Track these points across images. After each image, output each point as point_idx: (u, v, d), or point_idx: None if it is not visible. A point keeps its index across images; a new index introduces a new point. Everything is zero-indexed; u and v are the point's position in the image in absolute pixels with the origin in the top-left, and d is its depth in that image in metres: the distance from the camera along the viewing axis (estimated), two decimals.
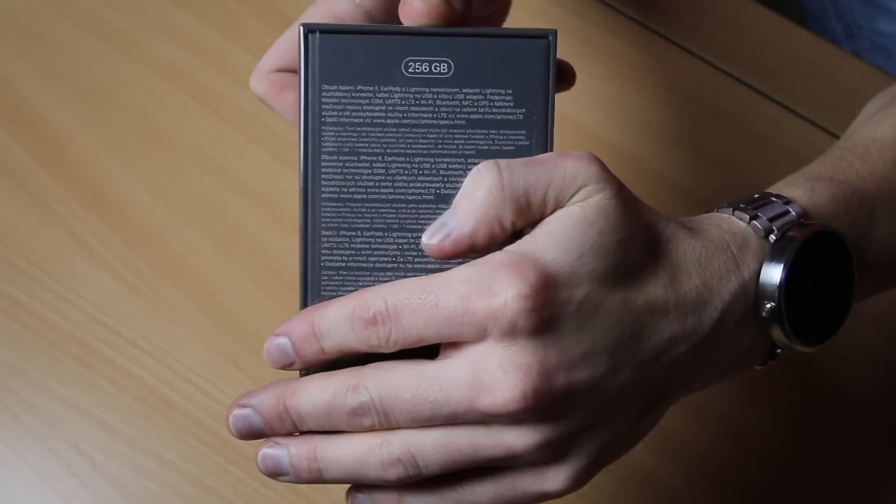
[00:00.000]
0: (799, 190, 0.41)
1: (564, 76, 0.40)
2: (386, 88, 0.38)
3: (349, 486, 0.39)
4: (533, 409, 0.33)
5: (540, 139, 0.39)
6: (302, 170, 0.38)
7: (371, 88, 0.38)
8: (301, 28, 0.39)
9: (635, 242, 0.35)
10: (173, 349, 0.59)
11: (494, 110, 0.39)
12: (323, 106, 0.38)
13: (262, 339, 0.59)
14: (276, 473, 0.38)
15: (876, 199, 0.43)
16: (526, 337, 0.33)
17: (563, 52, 0.71)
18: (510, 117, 0.39)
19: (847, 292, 0.40)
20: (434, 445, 0.35)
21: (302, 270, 0.39)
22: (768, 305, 0.38)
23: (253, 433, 0.38)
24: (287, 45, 0.42)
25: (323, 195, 0.38)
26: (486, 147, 0.38)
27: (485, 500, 0.36)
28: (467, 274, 0.34)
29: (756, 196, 0.40)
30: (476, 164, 0.36)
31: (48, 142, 0.66)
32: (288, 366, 0.37)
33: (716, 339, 0.37)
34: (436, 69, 0.38)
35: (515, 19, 0.70)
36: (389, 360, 0.36)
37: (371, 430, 0.35)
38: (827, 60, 0.69)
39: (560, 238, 0.34)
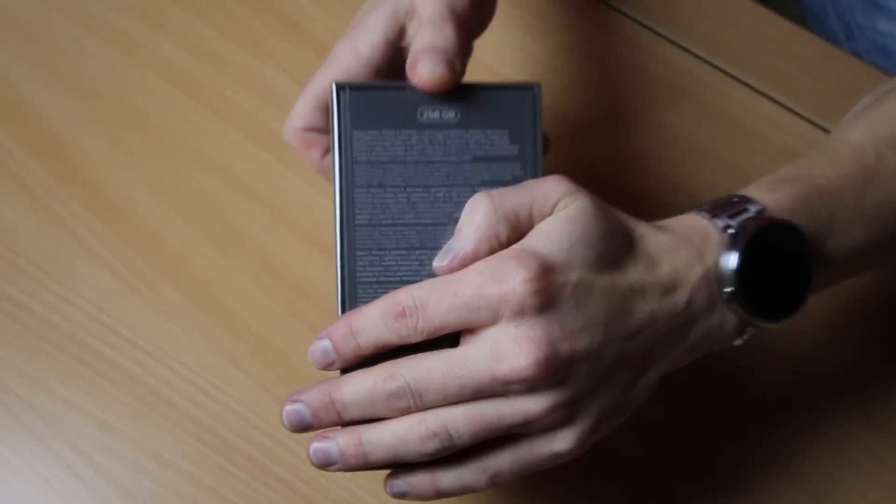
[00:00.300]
0: (761, 191, 0.47)
1: (544, 146, 0.48)
2: (405, 132, 0.46)
3: (385, 476, 0.44)
4: (544, 375, 0.40)
5: (532, 169, 0.46)
6: (338, 201, 0.45)
7: (393, 132, 0.46)
8: (334, 86, 0.46)
9: (614, 235, 0.43)
10: (173, 349, 0.59)
11: (494, 147, 0.46)
12: (354, 148, 0.46)
13: (262, 339, 0.60)
14: (326, 464, 0.43)
15: (838, 197, 0.48)
16: (533, 315, 0.40)
17: (564, 51, 0.71)
18: (507, 153, 0.46)
19: (806, 276, 0.46)
20: (464, 418, 0.41)
21: (340, 286, 0.45)
22: (727, 289, 0.44)
23: (303, 426, 0.43)
24: (311, 105, 0.50)
25: (356, 222, 0.45)
26: (489, 178, 0.46)
27: (506, 465, 0.42)
28: (481, 267, 0.41)
29: (720, 198, 0.47)
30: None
31: (48, 142, 0.66)
32: (329, 365, 0.43)
33: (689, 316, 0.44)
34: (445, 116, 0.46)
35: (517, 19, 0.70)
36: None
37: (407, 412, 0.41)
38: (827, 60, 0.69)
39: (552, 234, 0.41)
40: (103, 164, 0.65)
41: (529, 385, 0.40)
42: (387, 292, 0.42)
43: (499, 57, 0.69)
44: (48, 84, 0.68)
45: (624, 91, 0.68)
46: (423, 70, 0.45)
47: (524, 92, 0.48)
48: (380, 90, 0.47)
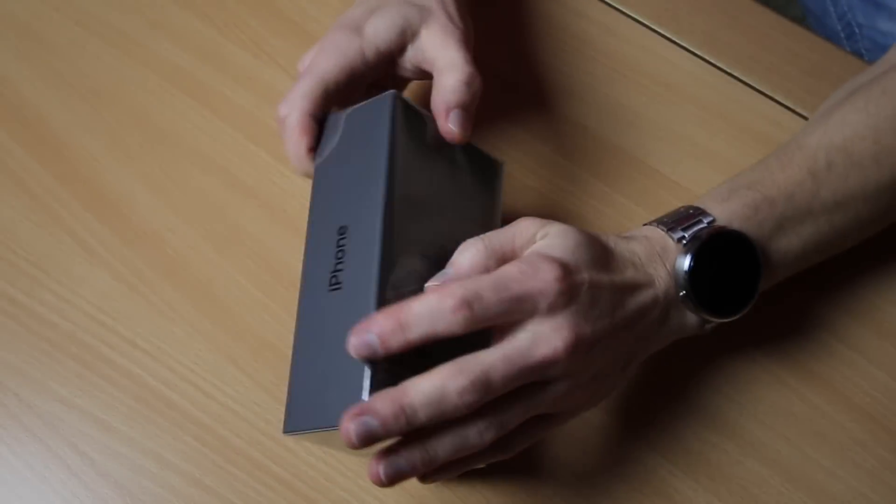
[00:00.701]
0: (714, 201, 0.53)
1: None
2: (433, 154, 0.52)
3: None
4: (574, 356, 0.46)
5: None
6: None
7: (424, 153, 0.52)
8: (393, 96, 0.51)
9: (596, 242, 0.49)
10: (173, 349, 0.59)
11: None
12: (399, 159, 0.50)
13: (262, 339, 0.60)
14: (396, 479, 0.46)
15: (786, 203, 0.54)
16: (562, 308, 0.46)
17: (563, 50, 0.71)
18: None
19: (755, 277, 0.53)
20: (521, 407, 0.46)
21: (378, 284, 0.46)
22: (682, 293, 0.51)
23: (370, 437, 0.43)
24: (320, 91, 0.55)
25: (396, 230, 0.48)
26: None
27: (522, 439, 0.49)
28: (522, 265, 0.46)
29: (676, 211, 0.53)
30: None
31: (48, 142, 0.66)
32: (369, 356, 0.45)
33: (665, 309, 0.51)
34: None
35: (518, 20, 0.70)
36: (447, 350, 0.44)
37: (475, 404, 0.44)
38: (827, 60, 0.69)
39: (554, 245, 0.48)
40: (103, 163, 0.65)
41: (564, 366, 0.46)
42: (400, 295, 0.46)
43: (498, 57, 0.69)
44: (48, 84, 0.68)
45: (624, 91, 0.68)
46: (455, 126, 0.53)
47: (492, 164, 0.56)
48: (420, 114, 0.53)
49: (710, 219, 0.52)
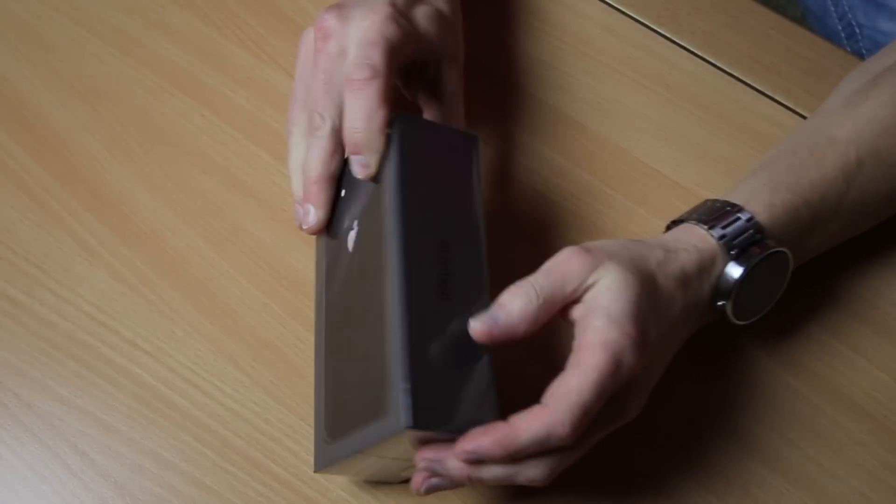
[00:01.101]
0: (758, 204, 0.54)
1: None
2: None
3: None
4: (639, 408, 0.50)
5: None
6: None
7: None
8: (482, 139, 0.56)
9: (648, 282, 0.49)
10: (173, 349, 0.59)
11: None
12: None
13: (262, 339, 0.60)
14: (433, 491, 0.49)
15: (821, 204, 0.55)
16: (639, 384, 0.49)
17: (563, 50, 0.71)
18: None
19: (779, 285, 0.55)
20: (581, 451, 0.49)
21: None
22: (720, 303, 0.53)
23: (467, 482, 0.48)
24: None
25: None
26: None
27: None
28: (609, 356, 0.46)
29: (727, 209, 0.53)
30: None
31: (48, 142, 0.66)
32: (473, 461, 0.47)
33: (697, 319, 0.53)
34: None
35: (518, 20, 0.70)
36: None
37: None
38: (827, 60, 0.69)
39: (616, 305, 0.47)
40: (103, 163, 0.65)
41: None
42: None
43: (499, 57, 0.69)
44: (48, 84, 0.68)
45: (624, 91, 0.68)
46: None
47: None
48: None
49: (748, 216, 0.53)
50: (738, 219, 0.53)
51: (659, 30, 0.70)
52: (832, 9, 0.87)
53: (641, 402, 0.50)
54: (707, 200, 0.55)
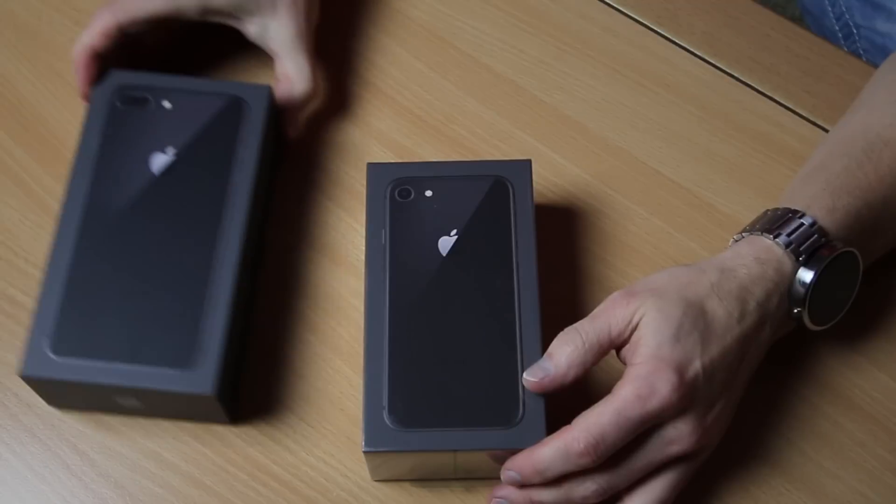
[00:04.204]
0: (821, 210, 0.54)
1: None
2: None
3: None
4: (700, 442, 0.50)
5: None
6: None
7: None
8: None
9: (696, 310, 0.50)
10: None
11: None
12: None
13: (262, 339, 0.59)
14: None
15: (882, 207, 0.55)
16: (684, 413, 0.49)
17: (563, 51, 0.71)
18: None
19: (852, 287, 0.55)
20: (629, 474, 0.50)
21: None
22: (796, 310, 0.53)
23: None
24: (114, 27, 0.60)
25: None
26: None
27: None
28: (638, 386, 0.48)
29: (788, 216, 0.53)
30: None
31: (48, 142, 0.66)
32: (517, 484, 0.51)
33: (770, 336, 0.53)
34: None
35: (517, 20, 0.70)
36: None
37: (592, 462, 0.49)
38: (827, 60, 0.69)
39: (656, 338, 0.49)
40: None
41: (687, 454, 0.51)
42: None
43: (498, 57, 0.69)
44: (48, 84, 0.68)
45: (624, 91, 0.68)
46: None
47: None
48: None
49: (811, 220, 0.53)
50: (802, 224, 0.53)
51: (659, 30, 0.70)
52: (829, 9, 0.87)
53: (698, 428, 0.50)
54: (766, 210, 0.55)
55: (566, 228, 0.63)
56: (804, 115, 0.67)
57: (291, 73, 0.62)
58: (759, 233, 0.53)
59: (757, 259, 0.52)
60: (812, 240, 0.52)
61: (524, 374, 0.51)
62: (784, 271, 0.52)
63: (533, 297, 0.54)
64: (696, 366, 0.49)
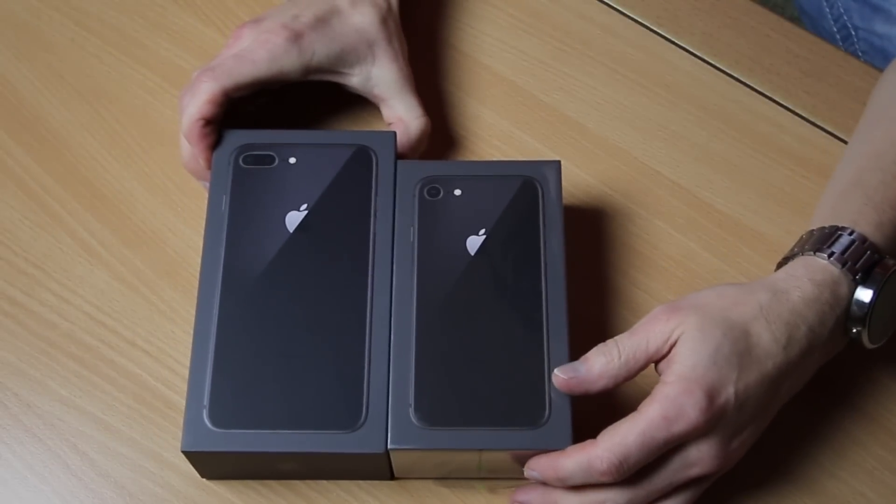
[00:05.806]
0: (870, 226, 0.53)
1: None
2: None
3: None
4: (719, 469, 0.51)
5: None
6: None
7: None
8: None
9: (737, 333, 0.49)
10: (173, 349, 0.59)
11: None
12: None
13: None
14: None
15: None
16: (711, 433, 0.49)
17: (563, 51, 0.71)
18: None
19: None
20: (648, 494, 0.50)
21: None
22: (854, 330, 0.52)
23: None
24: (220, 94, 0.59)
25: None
26: None
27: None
28: (665, 407, 0.48)
29: (838, 234, 0.52)
30: None
31: (48, 142, 0.66)
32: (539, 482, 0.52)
33: (818, 355, 0.52)
34: None
35: (517, 20, 0.70)
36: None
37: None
38: (826, 60, 0.69)
39: (692, 359, 0.49)
40: (103, 163, 0.65)
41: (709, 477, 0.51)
42: None
43: (498, 57, 0.69)
44: (48, 84, 0.68)
45: (624, 91, 0.68)
46: None
47: None
48: None
49: (861, 237, 0.52)
50: (854, 241, 0.52)
51: (659, 30, 0.70)
52: (827, 11, 0.87)
53: (721, 452, 0.50)
54: (812, 230, 0.54)
55: (566, 228, 0.63)
56: (804, 115, 0.67)
57: (403, 115, 0.62)
58: (812, 253, 0.52)
59: (812, 280, 0.51)
60: (866, 257, 0.52)
61: (555, 370, 0.51)
62: (840, 293, 0.51)
63: (560, 298, 0.54)
64: (728, 391, 0.49)
